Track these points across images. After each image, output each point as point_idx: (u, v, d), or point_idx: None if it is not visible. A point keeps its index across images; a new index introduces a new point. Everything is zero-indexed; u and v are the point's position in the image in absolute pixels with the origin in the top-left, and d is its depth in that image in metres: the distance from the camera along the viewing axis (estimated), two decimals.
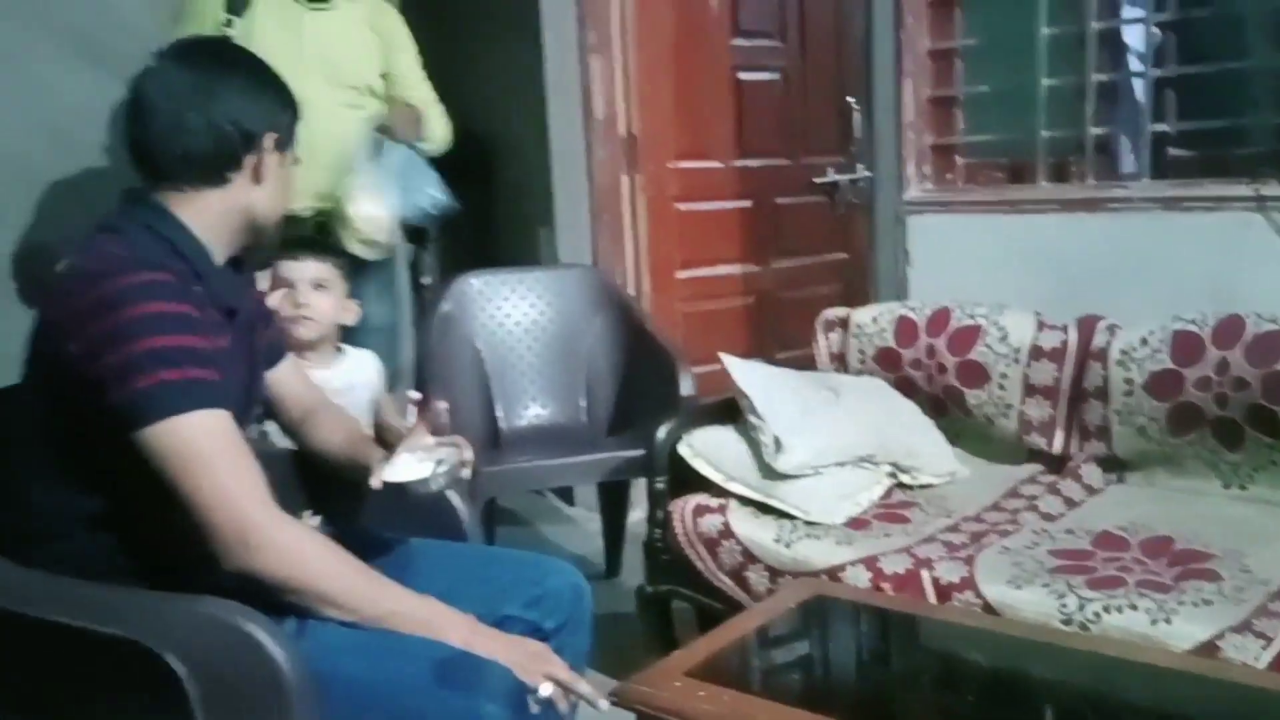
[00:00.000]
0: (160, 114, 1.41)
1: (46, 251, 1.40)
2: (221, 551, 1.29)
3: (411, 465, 1.53)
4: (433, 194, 2.62)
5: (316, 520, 1.71)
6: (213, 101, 1.41)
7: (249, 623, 1.23)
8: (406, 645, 1.38)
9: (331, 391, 1.92)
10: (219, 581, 1.31)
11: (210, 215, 1.44)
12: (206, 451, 1.29)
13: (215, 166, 1.43)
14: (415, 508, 1.52)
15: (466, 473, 1.58)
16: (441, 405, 1.59)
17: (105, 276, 1.31)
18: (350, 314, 2.23)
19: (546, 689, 1.34)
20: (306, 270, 2.13)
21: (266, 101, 1.47)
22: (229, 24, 2.49)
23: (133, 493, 1.34)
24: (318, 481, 1.68)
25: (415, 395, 1.74)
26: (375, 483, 1.52)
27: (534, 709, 1.33)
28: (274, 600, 1.39)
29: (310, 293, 2.13)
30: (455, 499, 1.75)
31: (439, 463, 1.51)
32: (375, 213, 2.52)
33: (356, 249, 2.51)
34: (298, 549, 1.32)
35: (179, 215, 1.42)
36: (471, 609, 1.47)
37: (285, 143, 1.49)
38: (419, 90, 2.74)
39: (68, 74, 1.45)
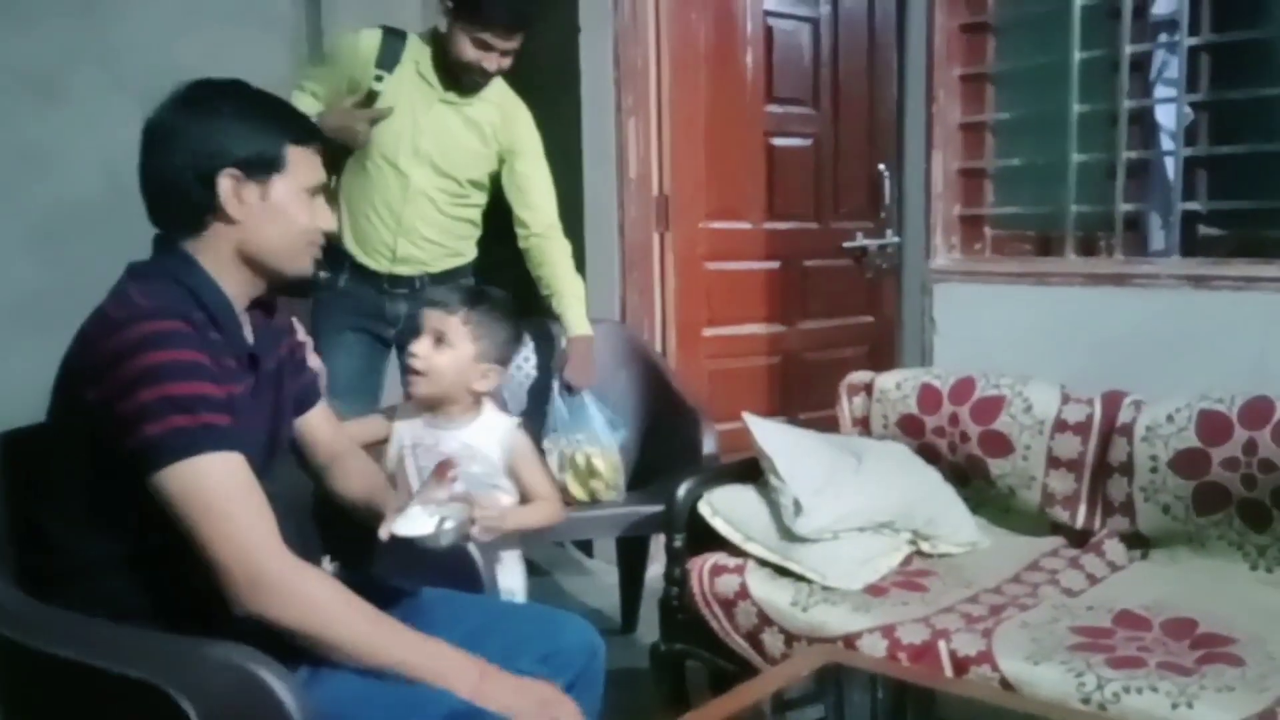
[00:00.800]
0: (142, 162, 1.43)
1: (101, 292, 1.42)
2: (232, 595, 1.30)
3: (419, 519, 1.55)
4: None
5: (333, 567, 1.73)
6: (172, 146, 1.41)
7: (261, 668, 1.24)
8: (417, 697, 1.38)
9: (438, 454, 1.89)
10: (238, 625, 1.32)
11: (216, 260, 1.43)
12: (219, 495, 1.30)
13: (186, 212, 1.42)
14: (432, 558, 1.52)
15: (476, 530, 1.59)
16: (453, 463, 1.61)
17: (123, 325, 1.33)
18: (485, 379, 2.00)
19: None
20: (431, 320, 1.98)
21: (226, 136, 1.41)
22: (379, 79, 2.64)
23: (152, 536, 1.35)
24: (339, 527, 1.69)
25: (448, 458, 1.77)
26: (383, 534, 1.54)
27: None
28: (289, 646, 1.40)
29: (425, 344, 1.96)
30: (474, 550, 1.75)
31: (443, 520, 1.53)
32: (611, 459, 2.68)
33: (603, 495, 2.67)
34: (308, 595, 1.32)
35: (200, 261, 1.43)
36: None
37: (258, 174, 1.42)
38: (538, 205, 2.82)
39: (128, 118, 1.48)
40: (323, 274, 2.69)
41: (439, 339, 1.96)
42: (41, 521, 1.42)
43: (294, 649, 1.43)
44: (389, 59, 2.66)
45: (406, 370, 2.01)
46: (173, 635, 1.31)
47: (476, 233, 2.92)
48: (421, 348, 1.95)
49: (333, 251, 2.65)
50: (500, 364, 2.03)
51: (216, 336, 1.40)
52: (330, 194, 2.52)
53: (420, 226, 2.75)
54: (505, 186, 2.82)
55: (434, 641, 1.40)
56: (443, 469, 1.59)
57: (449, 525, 1.53)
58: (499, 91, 2.79)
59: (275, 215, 1.44)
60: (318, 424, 1.73)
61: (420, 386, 1.97)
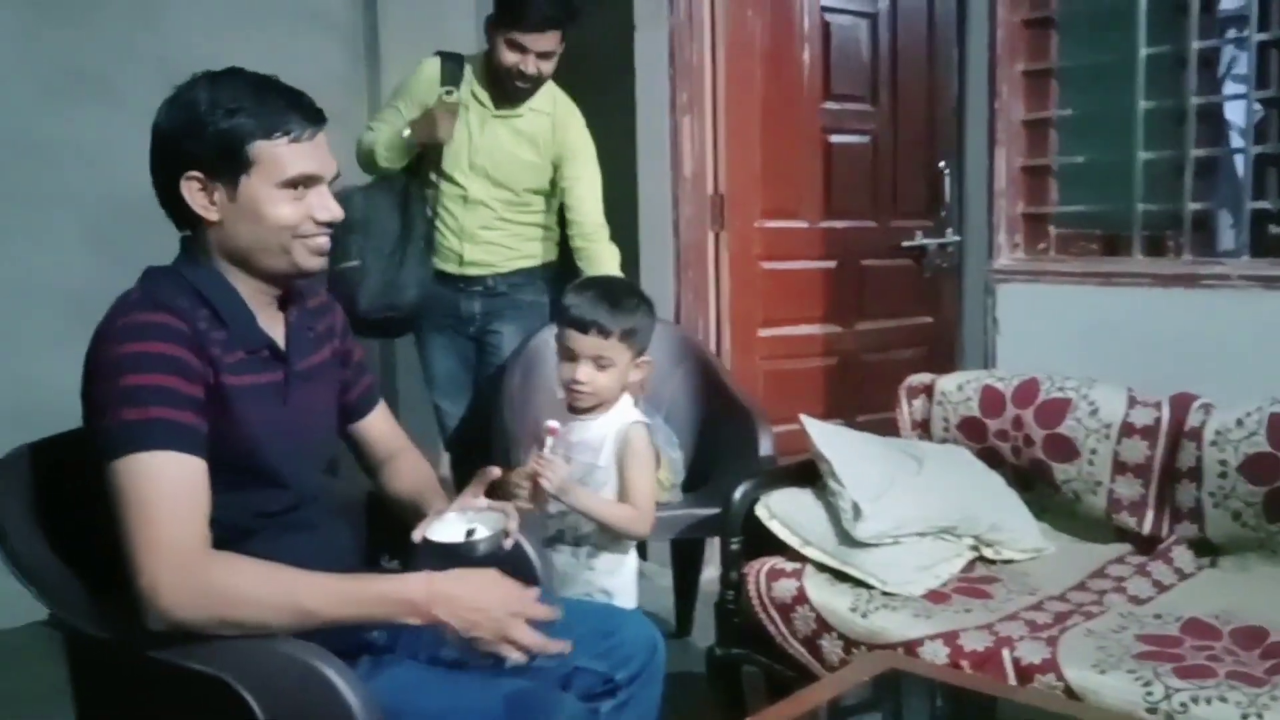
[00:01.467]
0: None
1: None
2: (140, 602, 1.25)
3: (451, 526, 1.55)
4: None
5: (394, 565, 1.74)
6: (153, 148, 1.41)
7: (323, 664, 1.26)
8: (480, 681, 1.40)
9: (568, 444, 1.97)
10: None
11: (218, 258, 1.44)
12: (144, 495, 1.27)
13: (173, 214, 1.44)
14: (469, 564, 1.51)
15: (509, 543, 1.58)
16: (494, 471, 1.61)
17: (106, 319, 1.36)
18: (639, 370, 2.04)
19: (513, 656, 1.37)
20: (589, 346, 1.95)
21: (186, 139, 1.38)
22: (450, 93, 2.84)
23: (229, 524, 1.36)
24: (396, 527, 1.70)
25: (553, 424, 1.89)
26: (416, 536, 1.54)
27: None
28: (351, 640, 1.41)
29: (589, 370, 1.96)
30: (529, 548, 1.76)
31: (470, 532, 1.52)
32: (672, 456, 2.71)
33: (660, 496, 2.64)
34: (211, 588, 1.27)
35: (217, 261, 1.44)
36: (543, 660, 1.48)
37: (222, 175, 1.39)
38: (585, 208, 2.96)
39: None
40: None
41: (599, 362, 1.96)
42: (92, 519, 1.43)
43: (354, 644, 1.45)
44: (451, 79, 2.87)
45: (570, 389, 1.99)
46: None
47: (548, 235, 3.07)
48: (585, 373, 1.95)
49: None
50: (646, 350, 2.04)
51: (219, 331, 1.39)
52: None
53: (482, 232, 2.96)
54: (558, 190, 2.97)
55: (368, 582, 1.37)
56: (485, 475, 1.59)
57: (480, 535, 1.52)
58: (550, 100, 2.94)
59: (248, 214, 1.40)
60: (376, 424, 1.74)
61: (586, 401, 1.99)
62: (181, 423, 1.30)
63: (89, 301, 1.43)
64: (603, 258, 2.94)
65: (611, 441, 2.00)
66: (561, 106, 2.97)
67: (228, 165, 1.38)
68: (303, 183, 1.42)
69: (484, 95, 2.90)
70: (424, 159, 2.92)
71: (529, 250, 3.03)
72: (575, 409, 2.01)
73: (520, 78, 2.81)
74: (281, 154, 1.40)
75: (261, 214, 1.40)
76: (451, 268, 2.98)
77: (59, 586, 1.39)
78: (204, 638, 1.28)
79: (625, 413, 2.03)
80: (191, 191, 1.39)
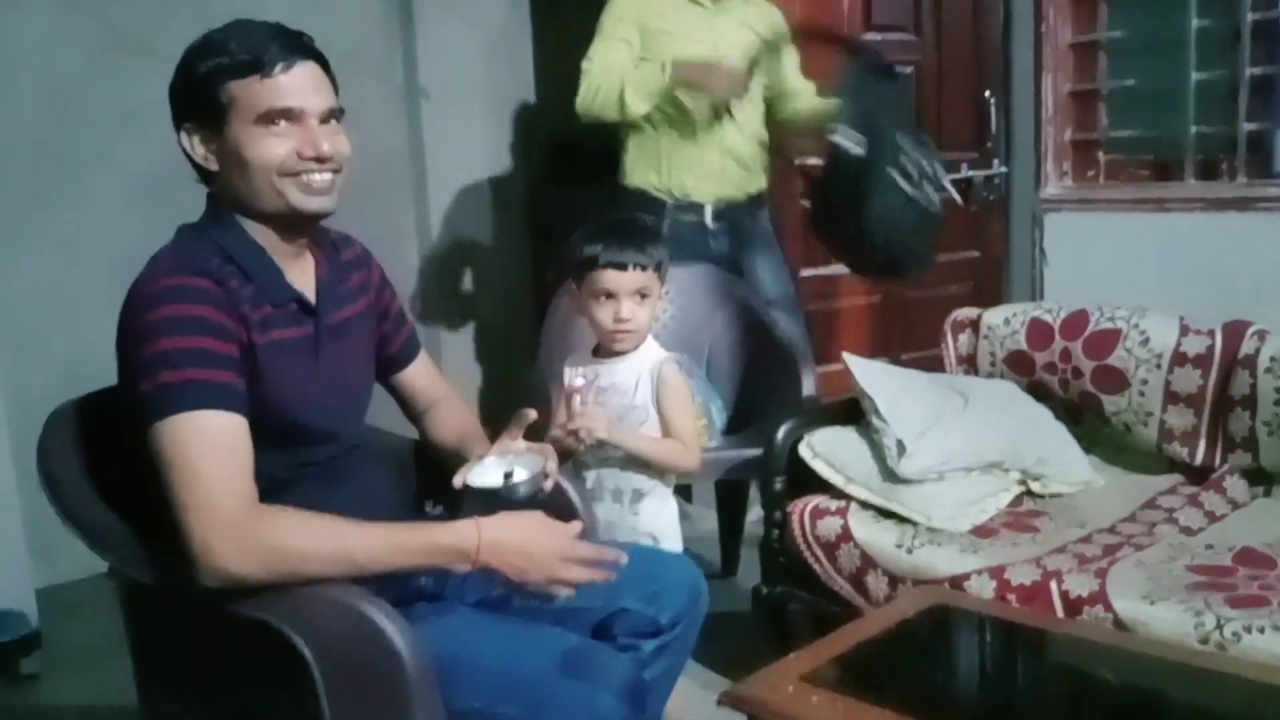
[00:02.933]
0: None
1: None
2: (192, 560, 1.26)
3: (490, 470, 1.55)
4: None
5: (439, 511, 1.76)
6: (170, 104, 1.41)
7: (374, 610, 1.27)
8: (534, 634, 1.43)
9: (599, 390, 1.98)
10: None
11: (236, 210, 1.42)
12: (191, 454, 1.27)
13: (192, 164, 1.43)
14: (511, 507, 1.52)
15: (549, 484, 1.58)
16: (530, 413, 1.61)
17: (138, 284, 1.36)
18: (659, 303, 2.06)
19: (562, 594, 1.40)
20: (630, 282, 1.94)
21: (181, 93, 1.39)
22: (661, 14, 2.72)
23: (272, 477, 1.38)
24: (441, 474, 1.72)
25: (577, 383, 1.93)
26: (456, 482, 1.55)
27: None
28: (404, 586, 1.43)
29: (633, 305, 1.95)
30: (572, 491, 1.77)
31: (509, 474, 1.53)
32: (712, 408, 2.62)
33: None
34: (263, 542, 1.28)
35: (237, 215, 1.43)
36: (588, 601, 1.50)
37: (209, 124, 1.38)
38: (800, 84, 2.93)
39: None
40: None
41: (641, 295, 1.96)
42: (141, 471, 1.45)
43: (412, 589, 1.47)
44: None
45: (613, 331, 1.97)
46: None
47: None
48: (628, 309, 1.94)
49: (650, 200, 2.81)
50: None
51: (248, 288, 1.39)
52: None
53: (738, 146, 2.84)
54: (773, 78, 2.89)
55: (418, 531, 1.38)
56: (522, 418, 1.60)
57: (520, 479, 1.53)
58: None
59: (236, 159, 1.37)
60: (417, 374, 1.75)
61: (630, 341, 1.99)
62: (220, 382, 1.31)
63: (134, 260, 1.43)
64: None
65: (647, 380, 1.98)
66: None
67: (211, 112, 1.37)
68: (281, 117, 1.37)
69: None
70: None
71: (762, 170, 2.94)
72: (618, 349, 2.00)
73: None
74: (254, 90, 1.36)
75: (245, 156, 1.37)
76: (703, 196, 2.84)
77: (112, 537, 1.42)
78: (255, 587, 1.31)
79: (654, 351, 2.03)
80: (192, 144, 1.40)
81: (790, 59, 2.93)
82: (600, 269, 1.95)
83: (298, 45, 1.40)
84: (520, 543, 1.38)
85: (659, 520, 2.00)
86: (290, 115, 1.37)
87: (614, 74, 2.70)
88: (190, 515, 1.27)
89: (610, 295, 1.95)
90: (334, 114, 1.42)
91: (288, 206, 1.40)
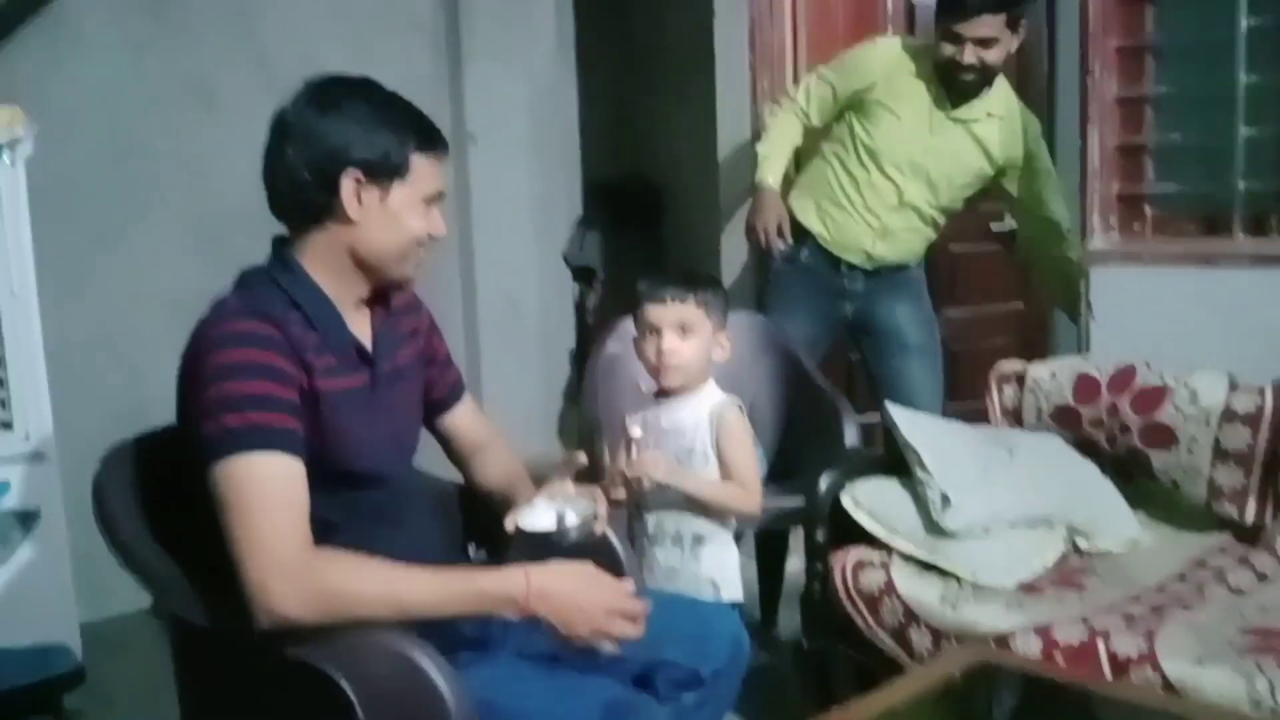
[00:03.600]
0: (266, 154, 1.46)
1: None
2: (250, 600, 1.29)
3: (542, 513, 1.57)
4: None
5: (482, 555, 1.77)
6: (299, 141, 1.42)
7: (419, 654, 1.28)
8: (577, 684, 1.43)
9: (660, 433, 1.96)
10: None
11: (322, 259, 1.46)
12: (248, 496, 1.30)
13: (302, 207, 1.45)
14: (560, 552, 1.52)
15: (600, 527, 1.59)
16: (580, 456, 1.62)
17: (203, 326, 1.40)
18: (721, 349, 2.00)
19: (607, 649, 1.41)
20: (669, 314, 1.94)
21: (355, 138, 1.42)
22: (872, 88, 2.74)
23: (322, 522, 1.40)
24: (487, 518, 1.73)
25: (635, 431, 1.89)
26: (509, 525, 1.56)
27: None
28: (448, 633, 1.44)
29: (673, 338, 1.94)
30: (615, 540, 1.77)
31: (561, 518, 1.54)
32: None
33: None
34: (320, 586, 1.31)
35: (302, 261, 1.46)
36: (630, 651, 1.49)
37: (381, 178, 1.43)
38: (1060, 212, 2.89)
39: None
40: (783, 247, 2.86)
41: (684, 329, 1.95)
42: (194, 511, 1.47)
43: (456, 635, 1.48)
44: (899, 67, 2.75)
45: (657, 366, 1.97)
46: None
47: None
48: (672, 342, 1.94)
49: (795, 228, 2.88)
50: (722, 330, 2.01)
51: (312, 336, 1.43)
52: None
53: (902, 234, 2.88)
54: (1009, 191, 2.92)
55: (468, 577, 1.40)
56: (571, 461, 1.60)
57: (571, 523, 1.54)
58: (1004, 103, 2.82)
59: (392, 220, 1.45)
60: (463, 418, 1.77)
61: (676, 378, 1.97)
62: (280, 427, 1.34)
63: (192, 304, 1.47)
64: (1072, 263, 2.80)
65: (705, 423, 1.96)
66: (1013, 109, 2.85)
67: (388, 170, 1.43)
68: (436, 199, 1.49)
69: (939, 90, 2.74)
70: (853, 130, 2.81)
71: (925, 248, 3.00)
72: (666, 387, 1.99)
73: (960, 69, 2.66)
74: (430, 169, 1.47)
75: (402, 222, 1.46)
76: (850, 257, 2.90)
77: (164, 576, 1.44)
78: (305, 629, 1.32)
79: (714, 393, 2.00)
80: (349, 189, 1.42)
81: (1034, 168, 2.88)
82: (643, 304, 1.98)
83: (444, 139, 1.52)
84: (570, 594, 1.40)
85: (721, 568, 1.96)
86: (440, 198, 1.51)
87: (788, 112, 2.86)
88: (247, 557, 1.29)
89: (654, 330, 1.95)
90: None
91: (404, 275, 1.52)
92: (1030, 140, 2.85)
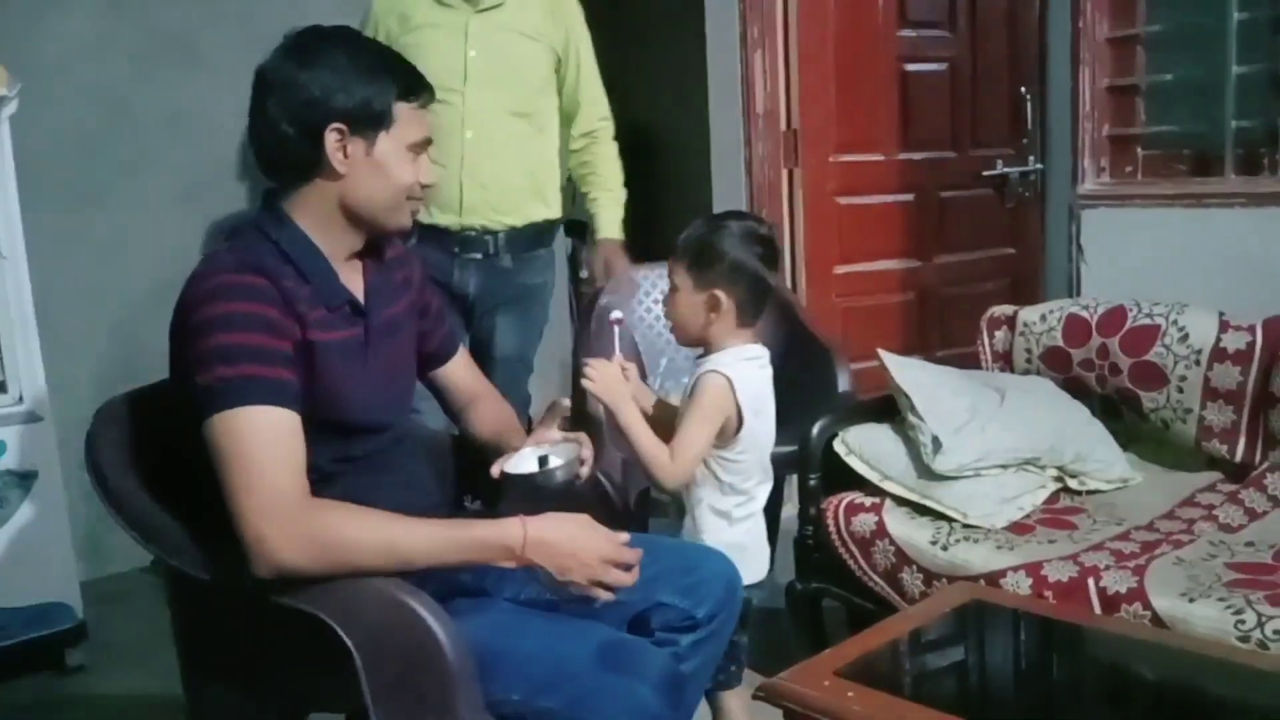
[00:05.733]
0: (250, 111, 1.45)
1: None
2: (247, 550, 1.30)
3: (527, 459, 1.59)
4: None
5: (477, 505, 1.78)
6: (279, 96, 1.41)
7: (416, 602, 1.29)
8: (573, 628, 1.45)
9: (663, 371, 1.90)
10: None
11: (313, 212, 1.46)
12: (245, 448, 1.30)
13: (289, 163, 1.45)
14: (548, 494, 1.54)
15: (585, 470, 1.60)
16: (565, 403, 1.63)
17: (195, 279, 1.39)
18: (715, 310, 1.83)
19: (602, 597, 1.42)
20: (666, 275, 1.89)
21: (335, 90, 1.41)
22: (405, 22, 2.43)
23: (321, 471, 1.41)
24: (478, 467, 1.74)
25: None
26: (494, 471, 1.58)
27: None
28: (450, 579, 1.45)
29: (669, 297, 1.87)
30: (610, 487, 1.78)
31: (543, 460, 1.56)
32: None
33: None
34: (316, 534, 1.31)
35: (293, 215, 1.46)
36: (625, 595, 1.51)
37: (364, 129, 1.43)
38: (595, 97, 2.62)
39: None
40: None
41: (672, 288, 1.86)
42: (188, 465, 1.48)
43: (453, 583, 1.49)
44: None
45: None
46: None
47: (556, 178, 2.61)
48: (666, 301, 1.89)
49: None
50: (721, 289, 1.81)
51: (305, 288, 1.42)
52: None
53: (484, 162, 2.44)
54: (560, 87, 2.58)
55: (464, 526, 1.40)
56: (556, 408, 1.61)
57: (556, 465, 1.55)
58: None
59: (379, 171, 1.45)
60: (457, 371, 1.78)
61: (678, 335, 1.90)
62: (274, 378, 1.34)
63: (179, 259, 1.48)
64: (606, 152, 2.64)
65: (688, 382, 1.87)
66: None
67: (372, 122, 1.43)
68: (424, 148, 1.50)
69: None
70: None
71: (544, 195, 2.56)
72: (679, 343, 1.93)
73: None
74: (414, 117, 1.47)
75: (392, 172, 1.46)
76: (446, 219, 2.45)
77: (158, 531, 1.44)
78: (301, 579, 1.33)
79: (722, 358, 1.83)
80: (333, 142, 1.42)
81: (579, 61, 2.57)
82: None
83: (431, 86, 1.52)
84: (565, 542, 1.40)
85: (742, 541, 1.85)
86: (426, 146, 1.50)
87: None
88: (245, 507, 1.30)
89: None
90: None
91: (398, 223, 1.52)
92: (570, 17, 2.55)
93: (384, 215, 1.49)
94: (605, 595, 1.42)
